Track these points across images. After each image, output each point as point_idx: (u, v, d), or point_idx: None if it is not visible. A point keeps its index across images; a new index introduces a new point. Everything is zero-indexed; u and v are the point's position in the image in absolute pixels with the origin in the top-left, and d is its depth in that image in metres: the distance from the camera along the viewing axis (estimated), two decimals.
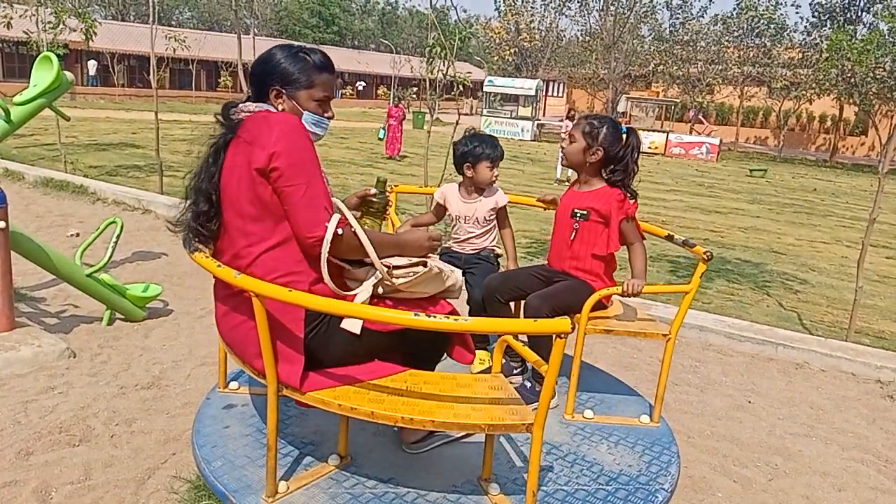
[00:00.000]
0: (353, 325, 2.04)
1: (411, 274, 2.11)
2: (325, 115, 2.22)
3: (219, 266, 1.98)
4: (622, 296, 2.73)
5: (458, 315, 2.18)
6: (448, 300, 2.32)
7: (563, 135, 3.07)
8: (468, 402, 2.00)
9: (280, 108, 2.15)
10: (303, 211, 1.97)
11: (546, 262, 3.12)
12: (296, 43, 2.31)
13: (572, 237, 2.88)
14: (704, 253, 2.65)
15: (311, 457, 2.33)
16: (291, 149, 1.98)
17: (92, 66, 35.76)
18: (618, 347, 4.73)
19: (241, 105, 2.18)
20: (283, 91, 2.14)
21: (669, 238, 2.92)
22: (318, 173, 2.03)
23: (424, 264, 2.12)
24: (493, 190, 3.37)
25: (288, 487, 2.13)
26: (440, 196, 3.46)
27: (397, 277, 2.09)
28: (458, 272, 2.37)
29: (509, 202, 3.44)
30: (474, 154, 3.27)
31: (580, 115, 3.03)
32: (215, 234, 2.14)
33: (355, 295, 2.10)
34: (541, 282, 2.93)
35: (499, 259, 3.40)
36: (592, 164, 2.91)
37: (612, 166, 2.90)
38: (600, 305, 2.86)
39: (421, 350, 2.26)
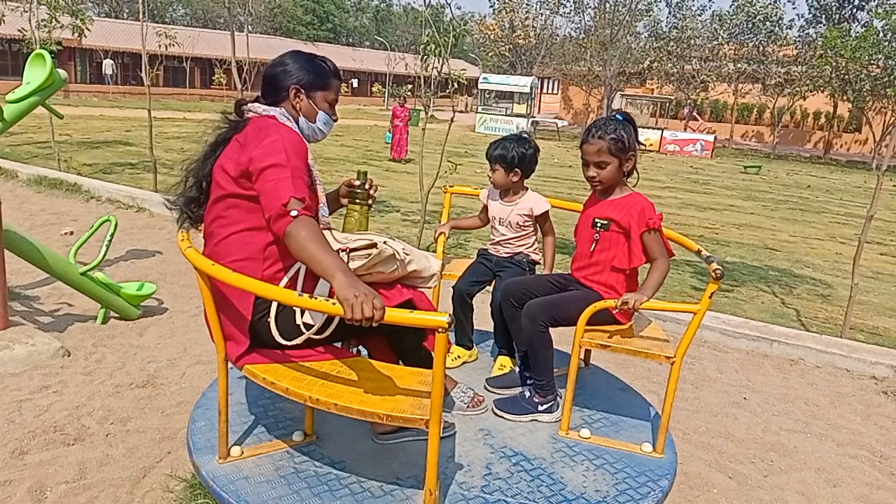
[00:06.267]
0: (313, 318, 2.11)
1: (365, 257, 2.16)
2: (333, 116, 2.43)
3: (182, 241, 2.15)
4: (615, 308, 2.59)
5: (417, 307, 2.23)
6: (417, 287, 2.34)
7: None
8: (382, 392, 2.01)
9: (297, 106, 2.32)
10: (271, 194, 2.02)
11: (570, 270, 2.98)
12: (307, 50, 2.41)
13: (592, 248, 2.75)
14: (714, 271, 2.45)
15: (283, 431, 2.42)
16: (279, 156, 2.07)
17: (108, 64, 35.74)
18: None
19: (250, 105, 2.32)
20: (303, 91, 2.31)
21: (698, 253, 2.73)
22: (299, 174, 2.08)
23: (375, 245, 2.17)
24: (531, 195, 3.24)
25: (242, 453, 2.24)
26: (483, 196, 3.37)
27: (353, 260, 2.14)
28: (435, 260, 2.38)
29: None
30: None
31: (589, 133, 2.71)
32: (201, 217, 2.32)
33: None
34: (556, 289, 2.82)
35: (535, 265, 3.27)
36: (626, 171, 2.74)
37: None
38: (612, 319, 2.69)
39: (396, 339, 2.31)
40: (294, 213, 1.95)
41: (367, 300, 1.72)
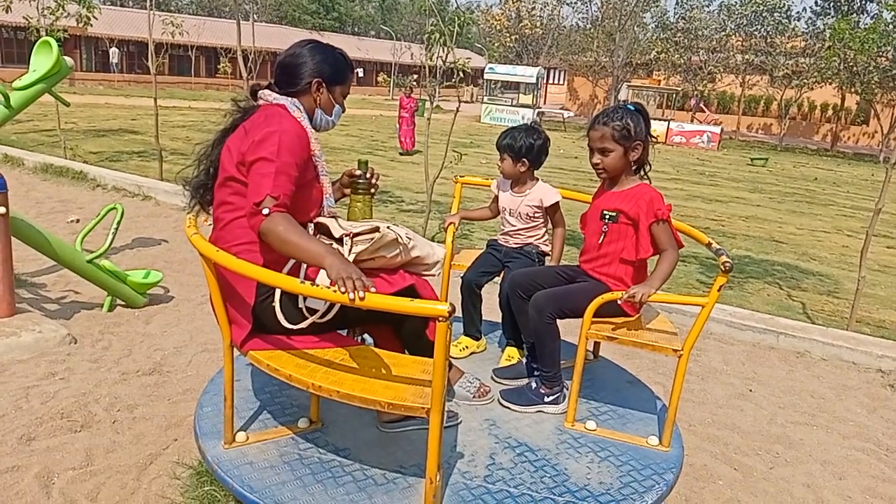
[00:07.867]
0: (315, 303, 2.13)
1: (368, 241, 2.17)
2: (343, 108, 2.48)
3: (188, 227, 2.18)
4: (621, 300, 2.55)
5: (419, 294, 2.24)
6: (421, 275, 2.35)
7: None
8: (385, 380, 2.02)
9: (317, 99, 2.34)
10: (252, 189, 2.06)
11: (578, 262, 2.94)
12: (323, 41, 2.41)
13: (600, 240, 2.71)
14: (724, 263, 2.40)
15: (289, 417, 2.43)
16: (270, 149, 2.09)
17: (114, 53, 36.06)
18: None
19: (262, 91, 2.35)
20: (324, 84, 2.33)
21: (708, 245, 2.70)
22: (286, 170, 2.09)
23: (377, 229, 2.18)
24: (541, 186, 3.22)
25: (247, 438, 2.26)
26: (495, 187, 3.35)
27: (356, 244, 2.15)
28: (439, 248, 2.38)
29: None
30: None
31: (595, 119, 2.72)
32: (210, 202, 2.36)
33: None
34: (564, 281, 2.81)
35: (545, 257, 3.26)
36: (634, 160, 2.70)
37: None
38: (620, 311, 2.65)
39: (399, 327, 2.32)
40: (265, 210, 1.98)
41: (357, 276, 1.78)
